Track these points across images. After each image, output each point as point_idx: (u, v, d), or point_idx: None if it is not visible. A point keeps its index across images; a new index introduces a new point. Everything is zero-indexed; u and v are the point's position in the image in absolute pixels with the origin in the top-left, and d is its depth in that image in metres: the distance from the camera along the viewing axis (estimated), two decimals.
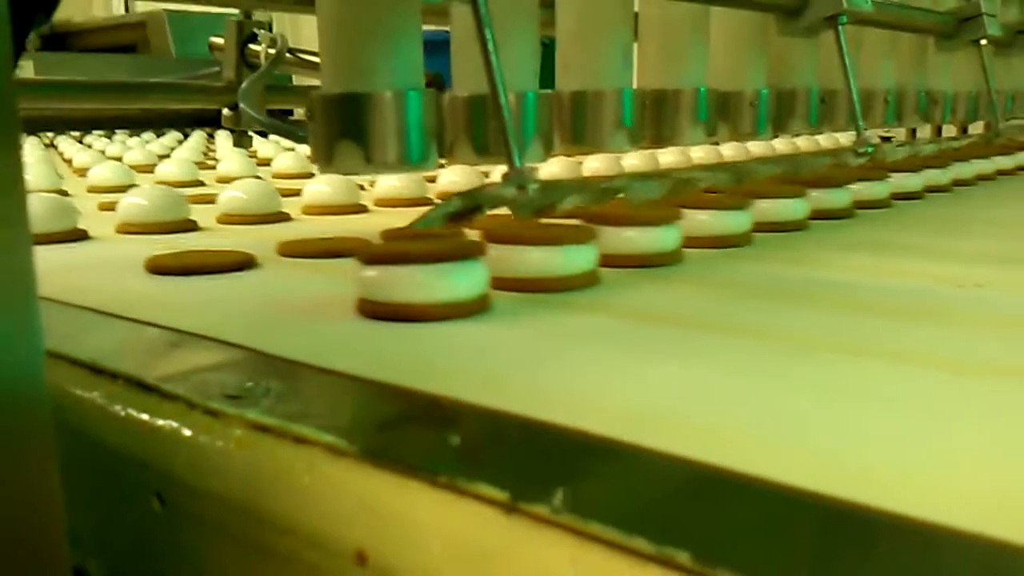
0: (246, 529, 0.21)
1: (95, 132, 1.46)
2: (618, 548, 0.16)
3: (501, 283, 0.34)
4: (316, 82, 0.40)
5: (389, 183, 0.61)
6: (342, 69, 0.34)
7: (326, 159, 0.35)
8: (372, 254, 0.31)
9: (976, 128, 0.76)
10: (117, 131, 1.42)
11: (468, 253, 0.31)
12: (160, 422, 0.24)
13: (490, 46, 0.31)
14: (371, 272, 0.31)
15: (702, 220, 0.41)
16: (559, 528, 0.17)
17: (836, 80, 0.59)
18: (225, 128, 0.76)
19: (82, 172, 0.87)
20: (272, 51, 0.63)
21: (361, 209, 0.61)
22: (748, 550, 0.16)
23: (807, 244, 0.47)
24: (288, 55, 0.66)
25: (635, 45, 0.47)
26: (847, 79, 0.49)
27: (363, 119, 0.34)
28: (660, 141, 0.48)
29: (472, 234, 0.35)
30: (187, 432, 0.23)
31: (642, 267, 0.39)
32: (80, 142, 1.26)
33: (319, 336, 0.30)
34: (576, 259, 0.34)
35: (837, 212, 0.51)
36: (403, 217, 0.44)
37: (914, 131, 1.04)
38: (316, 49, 0.40)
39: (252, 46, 0.66)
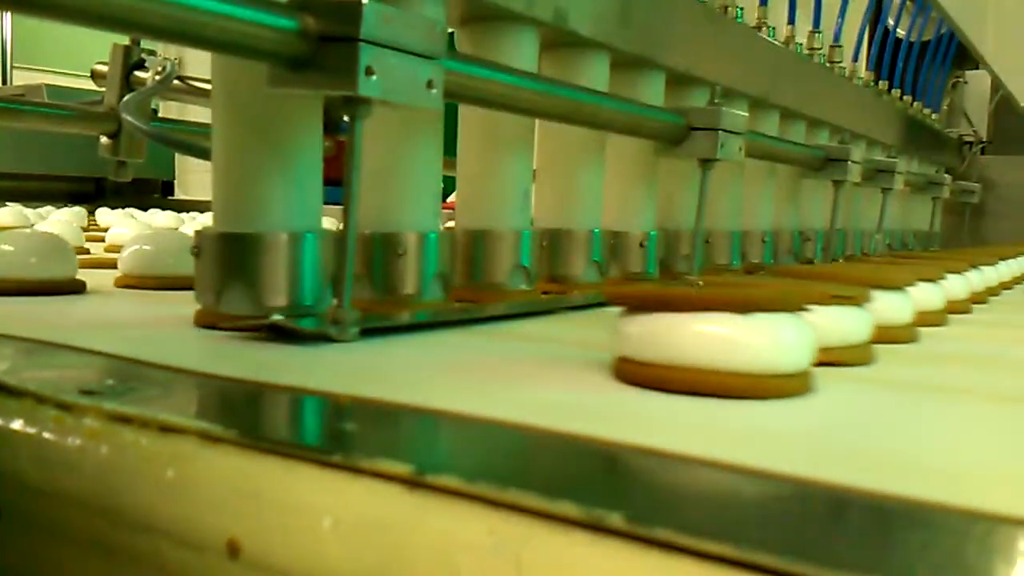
0: (99, 531, 0.18)
1: None
2: (541, 515, 0.14)
3: None
4: (207, 112, 0.37)
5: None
6: (233, 207, 0.30)
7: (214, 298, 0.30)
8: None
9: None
10: None
11: None
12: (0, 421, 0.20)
13: (354, 188, 0.27)
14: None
15: None
16: (472, 499, 0.14)
17: (719, 221, 0.61)
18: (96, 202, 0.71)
19: None
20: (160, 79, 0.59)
21: None
22: (683, 513, 0.14)
23: None
24: (178, 81, 0.63)
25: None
26: (699, 218, 0.49)
27: (254, 260, 0.30)
28: (555, 280, 0.47)
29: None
30: (32, 429, 0.20)
31: None
32: None
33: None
34: None
35: None
36: None
37: None
38: (206, 76, 0.38)
39: (139, 73, 0.62)
